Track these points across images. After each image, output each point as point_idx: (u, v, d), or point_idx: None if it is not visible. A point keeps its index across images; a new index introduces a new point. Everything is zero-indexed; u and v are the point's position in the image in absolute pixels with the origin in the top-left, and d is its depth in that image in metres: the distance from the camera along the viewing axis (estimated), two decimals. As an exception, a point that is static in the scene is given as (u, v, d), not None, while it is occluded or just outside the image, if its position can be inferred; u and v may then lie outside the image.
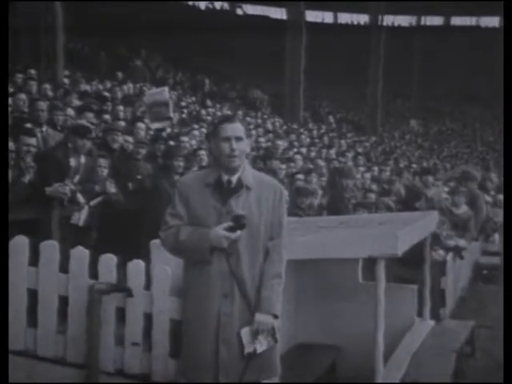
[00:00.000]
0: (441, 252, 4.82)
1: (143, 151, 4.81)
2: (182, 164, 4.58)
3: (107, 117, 5.98)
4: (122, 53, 13.95)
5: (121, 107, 6.57)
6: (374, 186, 6.47)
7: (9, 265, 2.66)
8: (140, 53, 14.34)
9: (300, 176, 5.74)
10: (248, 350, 2.13)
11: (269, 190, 2.24)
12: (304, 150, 8.34)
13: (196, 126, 7.63)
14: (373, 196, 5.79)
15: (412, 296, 3.47)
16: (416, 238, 3.10)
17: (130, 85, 9.91)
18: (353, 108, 22.68)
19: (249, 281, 2.17)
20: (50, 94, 6.91)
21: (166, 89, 6.54)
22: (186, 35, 18.27)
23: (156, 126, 6.06)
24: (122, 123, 5.77)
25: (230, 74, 18.79)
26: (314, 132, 14.12)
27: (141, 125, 5.61)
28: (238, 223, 2.11)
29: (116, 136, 4.82)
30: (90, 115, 5.46)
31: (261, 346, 2.13)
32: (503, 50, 2.84)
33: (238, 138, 2.19)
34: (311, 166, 6.97)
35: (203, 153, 5.22)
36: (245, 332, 2.14)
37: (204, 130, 7.22)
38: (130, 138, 4.99)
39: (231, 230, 2.12)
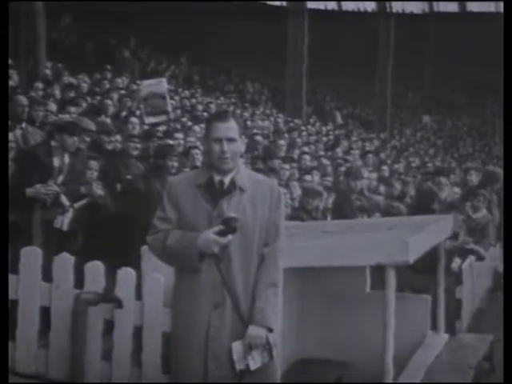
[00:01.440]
0: (457, 259, 4.83)
1: (138, 146, 4.82)
2: (176, 164, 4.59)
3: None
4: (111, 42, 13.95)
5: (109, 101, 6.59)
6: (383, 188, 6.48)
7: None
8: (129, 42, 14.35)
9: (308, 177, 5.75)
10: (239, 366, 2.11)
11: (265, 192, 2.25)
12: (307, 149, 8.36)
13: (189, 123, 7.64)
14: (381, 198, 5.81)
15: (425, 307, 3.48)
16: (429, 243, 3.11)
17: (119, 79, 9.92)
18: (360, 102, 22.70)
19: (241, 290, 2.17)
20: (41, 93, 6.90)
21: (164, 80, 6.52)
22: (178, 23, 18.30)
23: (151, 120, 6.05)
24: (108, 120, 5.78)
25: (227, 66, 18.81)
26: (321, 128, 14.14)
27: (134, 120, 5.61)
28: (229, 226, 2.11)
29: (113, 136, 4.86)
30: (73, 109, 5.46)
31: (254, 362, 2.11)
32: (503, 49, 3.00)
33: (231, 139, 2.20)
34: (314, 165, 6.98)
35: (197, 152, 5.24)
36: (236, 346, 2.12)
37: (200, 126, 7.24)
38: (118, 137, 5.00)
39: (221, 234, 2.12)
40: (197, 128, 6.87)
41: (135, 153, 4.81)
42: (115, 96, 7.55)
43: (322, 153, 9.01)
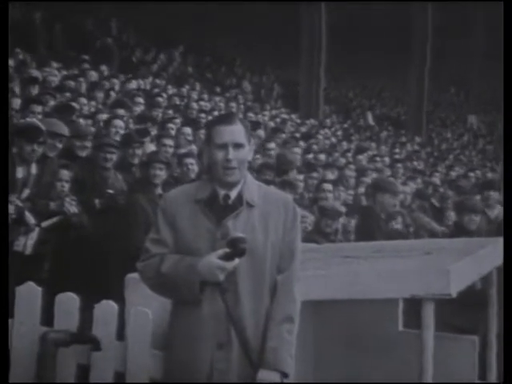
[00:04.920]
0: None
1: (113, 156, 4.86)
2: (161, 173, 4.61)
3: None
4: (88, 27, 14.11)
5: (84, 100, 6.67)
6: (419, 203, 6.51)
7: None
8: (110, 27, 14.52)
9: (328, 187, 5.77)
10: None
11: (278, 209, 2.29)
12: (323, 157, 8.43)
13: (182, 126, 7.69)
14: (421, 217, 5.82)
15: (471, 351, 3.47)
16: (476, 272, 3.12)
17: (98, 71, 10.03)
18: (390, 100, 22.77)
19: (250, 326, 2.20)
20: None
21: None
22: (171, 4, 18.52)
23: None
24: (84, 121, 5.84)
25: (229, 56, 18.97)
26: (339, 131, 14.21)
27: (118, 123, 5.65)
28: (236, 248, 2.14)
29: (86, 141, 4.89)
30: (39, 109, 5.52)
31: None
32: (503, 50, 3.40)
33: (237, 145, 2.24)
34: (333, 176, 7.01)
35: (191, 161, 5.28)
36: None
37: (192, 128, 7.28)
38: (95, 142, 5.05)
39: (227, 257, 2.15)
40: (187, 130, 6.90)
41: (108, 164, 4.80)
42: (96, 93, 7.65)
43: (342, 160, 9.06)
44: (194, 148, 6.43)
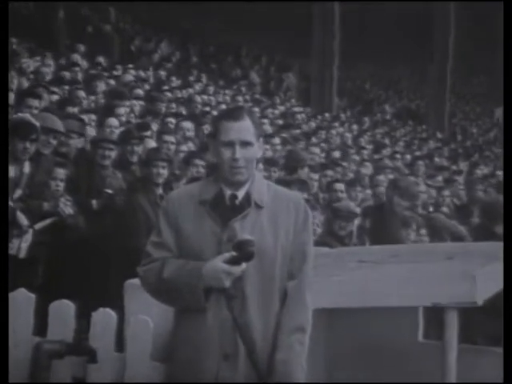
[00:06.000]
0: None
1: (111, 153, 4.87)
2: (164, 172, 4.61)
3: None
4: (85, 14, 14.16)
5: (82, 93, 6.70)
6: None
7: None
8: (109, 14, 14.56)
9: (340, 187, 5.77)
10: None
11: (288, 209, 2.29)
12: (338, 154, 8.43)
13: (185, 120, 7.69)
14: (443, 219, 5.81)
15: (497, 363, 3.44)
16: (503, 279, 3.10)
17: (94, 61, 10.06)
18: (409, 92, 22.71)
19: (258, 336, 2.20)
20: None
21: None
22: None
23: None
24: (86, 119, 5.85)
25: (236, 45, 18.96)
26: (353, 125, 14.19)
27: (113, 121, 5.66)
28: (243, 252, 2.15)
29: (83, 138, 4.89)
30: (36, 103, 5.53)
31: None
32: (503, 49, 3.76)
33: (245, 143, 2.25)
34: (351, 175, 7.01)
35: (199, 161, 5.28)
36: None
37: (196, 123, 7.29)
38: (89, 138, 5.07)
39: (234, 262, 2.16)
40: (187, 125, 6.89)
41: (106, 162, 4.80)
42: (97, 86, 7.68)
43: (355, 157, 9.05)
44: (201, 147, 6.41)
